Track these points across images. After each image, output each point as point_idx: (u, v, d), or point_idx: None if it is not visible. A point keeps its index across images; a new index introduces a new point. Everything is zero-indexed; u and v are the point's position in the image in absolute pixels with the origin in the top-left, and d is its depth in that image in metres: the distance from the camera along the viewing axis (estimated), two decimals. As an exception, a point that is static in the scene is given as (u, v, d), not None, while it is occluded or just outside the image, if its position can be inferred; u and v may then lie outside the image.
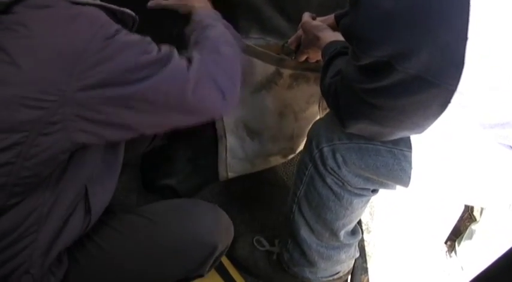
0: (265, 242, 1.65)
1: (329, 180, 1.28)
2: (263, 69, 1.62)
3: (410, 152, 1.18)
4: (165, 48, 1.01)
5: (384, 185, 1.28)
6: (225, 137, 1.65)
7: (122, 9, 1.04)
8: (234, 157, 1.68)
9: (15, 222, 0.99)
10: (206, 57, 1.07)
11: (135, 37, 0.97)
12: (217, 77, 1.05)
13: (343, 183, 1.27)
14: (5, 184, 0.93)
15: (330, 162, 1.25)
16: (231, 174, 1.71)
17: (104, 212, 1.17)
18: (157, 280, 1.23)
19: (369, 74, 1.00)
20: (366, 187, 1.29)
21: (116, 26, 0.95)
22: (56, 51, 0.88)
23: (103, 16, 0.95)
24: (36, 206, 1.00)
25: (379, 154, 1.20)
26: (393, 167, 1.20)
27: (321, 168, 1.28)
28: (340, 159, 1.24)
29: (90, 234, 1.17)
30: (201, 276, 1.26)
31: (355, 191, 1.29)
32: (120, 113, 0.94)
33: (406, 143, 1.19)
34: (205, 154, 1.71)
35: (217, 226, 1.23)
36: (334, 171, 1.26)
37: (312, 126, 1.36)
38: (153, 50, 0.98)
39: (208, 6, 1.36)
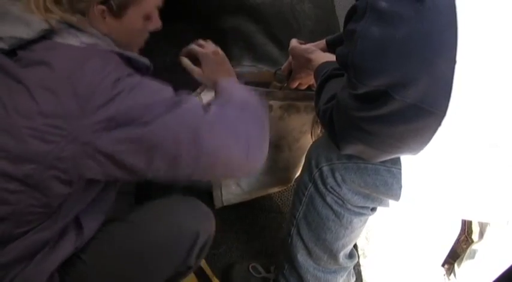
0: (261, 269, 1.64)
1: (329, 199, 1.28)
2: (252, 104, 1.64)
3: None
4: (182, 92, 1.03)
5: (383, 203, 1.29)
6: (219, 177, 1.66)
7: (137, 56, 1.07)
8: (229, 193, 1.68)
9: (22, 252, 1.00)
10: (228, 109, 1.08)
11: (148, 81, 0.99)
12: (238, 129, 1.04)
13: (343, 202, 1.27)
14: (13, 212, 0.94)
15: (330, 180, 1.25)
16: (226, 204, 1.71)
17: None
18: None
19: (365, 103, 1.01)
20: (366, 205, 1.29)
21: (128, 70, 0.98)
22: (71, 89, 0.91)
23: (115, 59, 0.99)
24: (42, 237, 1.01)
25: (378, 173, 1.21)
26: (392, 186, 1.20)
27: (321, 187, 1.28)
28: (339, 178, 1.24)
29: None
30: (190, 268, 1.24)
31: (355, 209, 1.29)
32: (129, 155, 0.95)
33: None
34: (199, 183, 1.70)
35: (195, 213, 1.23)
36: (334, 190, 1.26)
37: (311, 146, 1.37)
38: (166, 92, 1.00)
39: (233, 74, 1.39)
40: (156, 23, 1.18)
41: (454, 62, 0.89)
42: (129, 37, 1.13)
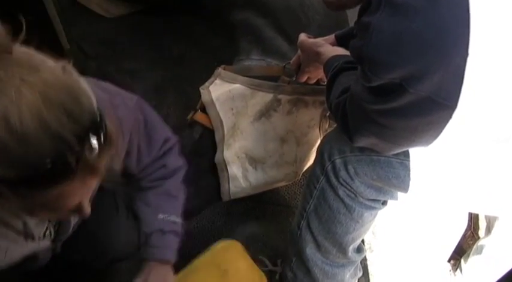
0: (267, 262, 1.64)
1: (341, 192, 1.28)
2: (261, 98, 1.64)
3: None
4: None
5: (394, 196, 1.29)
6: (226, 170, 1.65)
7: None
8: (237, 187, 1.68)
9: None
10: None
11: None
12: None
13: (355, 195, 1.28)
14: None
15: (343, 173, 1.25)
16: (233, 197, 1.71)
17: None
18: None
19: (379, 95, 1.01)
20: (378, 198, 1.29)
21: None
22: None
23: None
24: None
25: (391, 166, 1.21)
26: (405, 178, 1.20)
27: (334, 180, 1.28)
28: (352, 170, 1.24)
29: None
30: None
31: (367, 203, 1.29)
32: None
33: None
34: (207, 175, 1.71)
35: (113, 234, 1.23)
36: (347, 183, 1.26)
37: (323, 139, 1.37)
38: None
39: None
40: (78, 212, 0.86)
41: (467, 54, 0.90)
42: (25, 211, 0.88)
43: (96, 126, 0.74)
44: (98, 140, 0.74)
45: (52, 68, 0.72)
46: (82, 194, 0.81)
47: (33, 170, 0.69)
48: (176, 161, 1.29)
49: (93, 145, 0.73)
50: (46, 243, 1.05)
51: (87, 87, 0.78)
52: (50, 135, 0.68)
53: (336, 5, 1.22)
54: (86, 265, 1.28)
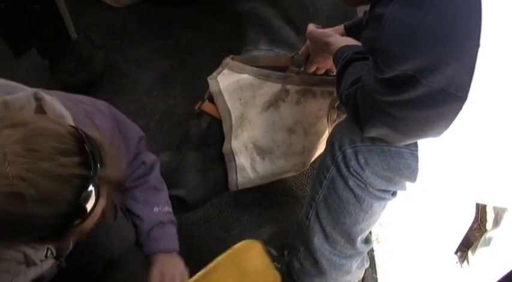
0: (274, 252, 1.64)
1: (351, 182, 1.28)
2: (269, 88, 1.64)
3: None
4: None
5: (404, 187, 1.29)
6: (234, 160, 1.65)
7: None
8: (244, 177, 1.68)
9: None
10: None
11: None
12: None
13: (365, 185, 1.27)
14: None
15: (353, 163, 1.25)
16: (241, 188, 1.71)
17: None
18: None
19: (392, 87, 1.01)
20: (388, 189, 1.29)
21: None
22: None
23: None
24: None
25: (402, 156, 1.20)
26: (415, 169, 1.20)
27: (344, 170, 1.28)
28: (362, 160, 1.24)
29: None
30: None
31: (377, 193, 1.29)
32: None
33: None
34: (215, 165, 1.71)
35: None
36: (357, 173, 1.26)
37: (333, 129, 1.37)
38: None
39: None
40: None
41: (478, 44, 0.89)
42: None
43: (84, 140, 0.76)
44: (95, 149, 0.76)
45: (25, 111, 0.75)
46: (105, 206, 0.83)
47: (65, 217, 0.72)
48: (150, 156, 1.32)
49: (97, 158, 0.75)
50: (50, 262, 1.06)
51: (61, 109, 0.82)
52: (64, 181, 0.71)
53: (356, 1, 1.21)
54: (84, 271, 1.30)
